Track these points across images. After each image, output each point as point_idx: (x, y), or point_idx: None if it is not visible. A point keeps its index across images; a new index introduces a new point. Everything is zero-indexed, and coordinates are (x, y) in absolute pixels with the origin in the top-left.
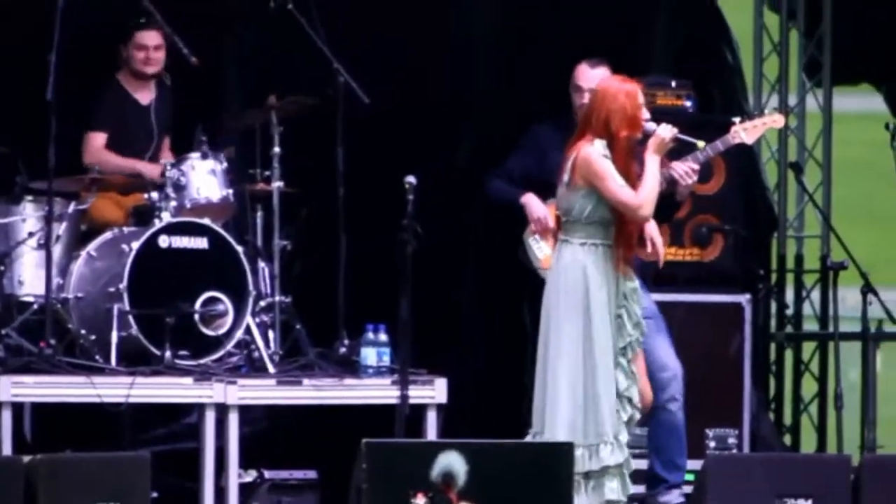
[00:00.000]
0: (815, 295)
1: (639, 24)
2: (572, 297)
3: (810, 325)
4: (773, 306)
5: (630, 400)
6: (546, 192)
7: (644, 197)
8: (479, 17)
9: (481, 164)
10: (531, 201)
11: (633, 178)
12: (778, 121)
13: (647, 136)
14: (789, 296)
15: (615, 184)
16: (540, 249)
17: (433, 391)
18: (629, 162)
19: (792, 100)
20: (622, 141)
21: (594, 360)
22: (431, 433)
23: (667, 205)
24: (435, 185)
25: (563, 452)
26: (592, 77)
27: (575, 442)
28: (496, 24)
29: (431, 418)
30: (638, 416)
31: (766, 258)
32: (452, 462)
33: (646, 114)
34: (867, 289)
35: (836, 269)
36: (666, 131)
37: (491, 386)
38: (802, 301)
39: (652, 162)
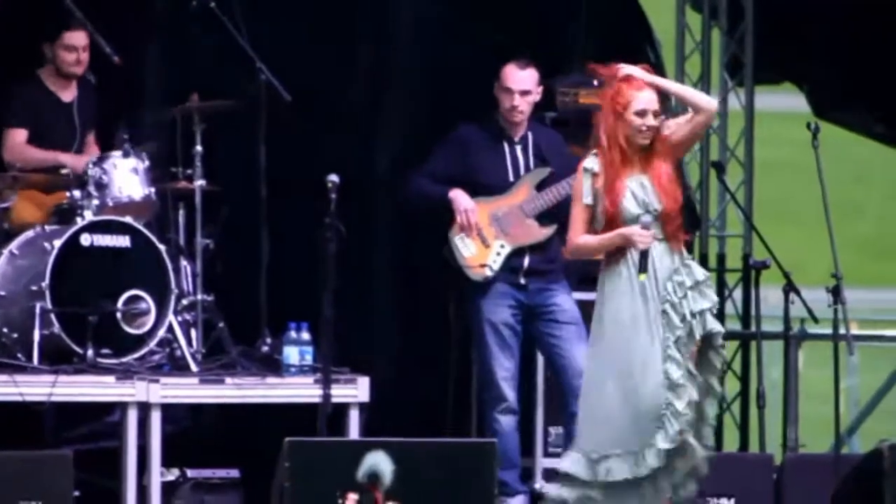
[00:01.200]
0: (738, 294)
1: (561, 24)
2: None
3: (732, 325)
4: None
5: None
6: (473, 193)
7: (576, 247)
8: (401, 16)
9: (403, 162)
10: (459, 196)
11: (615, 194)
12: None
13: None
14: None
15: (575, 209)
16: (466, 248)
17: (356, 390)
18: (618, 175)
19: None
20: (607, 154)
21: (630, 368)
22: (354, 432)
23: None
24: (357, 183)
25: (486, 451)
26: (521, 78)
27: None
28: (418, 23)
29: (354, 417)
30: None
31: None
32: (379, 462)
33: (651, 121)
34: (789, 288)
35: (758, 268)
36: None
37: (414, 385)
38: (724, 300)
39: (611, 237)
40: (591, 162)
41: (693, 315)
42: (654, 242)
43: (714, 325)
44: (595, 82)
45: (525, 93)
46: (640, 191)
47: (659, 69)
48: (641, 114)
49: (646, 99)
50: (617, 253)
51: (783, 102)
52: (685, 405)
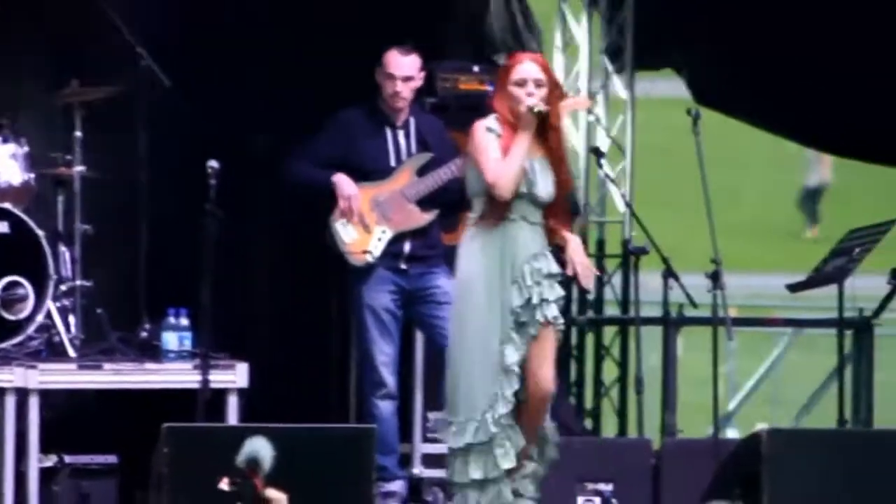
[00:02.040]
0: (617, 279)
1: (440, 9)
2: (457, 278)
3: (612, 310)
4: (575, 291)
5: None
6: (354, 179)
7: (497, 174)
8: (278, 3)
9: (283, 148)
10: (342, 180)
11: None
12: (582, 102)
13: (534, 111)
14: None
15: (484, 157)
16: (347, 233)
17: (234, 376)
18: (514, 139)
19: (595, 85)
20: (501, 117)
21: (466, 335)
22: (232, 418)
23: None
24: (237, 169)
25: (364, 436)
26: (404, 64)
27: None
28: (295, 8)
29: (232, 403)
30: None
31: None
32: (258, 447)
33: (532, 89)
34: (668, 274)
35: (638, 253)
36: (524, 105)
37: (293, 370)
38: (604, 286)
39: (518, 139)
40: (494, 123)
41: (540, 302)
42: (525, 224)
43: (557, 317)
44: (475, 68)
45: (408, 79)
46: (529, 170)
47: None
48: (521, 83)
49: (526, 69)
50: (486, 218)
51: (663, 88)
52: (512, 395)
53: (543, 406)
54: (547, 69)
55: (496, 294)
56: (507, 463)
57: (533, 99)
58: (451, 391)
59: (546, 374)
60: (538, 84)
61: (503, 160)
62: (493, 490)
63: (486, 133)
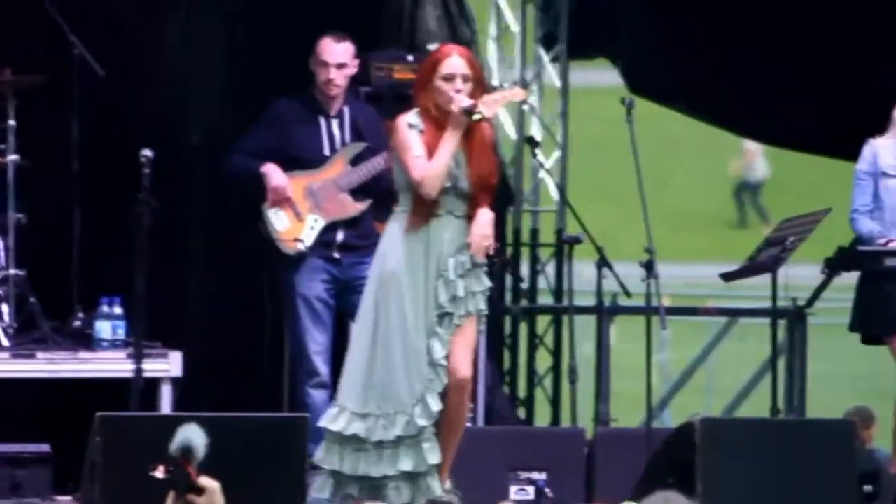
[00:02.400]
0: (551, 269)
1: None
2: (375, 265)
3: (545, 299)
4: (509, 280)
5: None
6: (289, 168)
7: (423, 174)
8: None
9: (217, 136)
10: (271, 171)
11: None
12: (518, 94)
13: (468, 112)
14: (525, 269)
15: (409, 154)
16: (279, 221)
17: (168, 364)
18: (437, 134)
19: (529, 74)
20: (424, 111)
21: (390, 328)
22: (166, 406)
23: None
24: (171, 158)
25: (297, 425)
26: (337, 51)
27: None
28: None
29: (166, 392)
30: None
31: (501, 232)
32: (192, 436)
33: (459, 86)
34: (602, 263)
35: (571, 242)
36: (455, 105)
37: (227, 359)
38: (537, 275)
39: (446, 138)
40: (416, 118)
41: (467, 294)
42: (451, 218)
43: (483, 307)
44: (409, 57)
45: (341, 66)
46: (452, 165)
47: (473, 46)
48: (449, 78)
49: (454, 64)
50: (414, 214)
51: (598, 78)
52: (442, 389)
53: (462, 393)
54: (473, 64)
55: (420, 288)
56: (435, 458)
57: (465, 99)
58: (368, 383)
59: (464, 361)
60: (465, 79)
61: (429, 159)
62: (424, 484)
63: (408, 129)
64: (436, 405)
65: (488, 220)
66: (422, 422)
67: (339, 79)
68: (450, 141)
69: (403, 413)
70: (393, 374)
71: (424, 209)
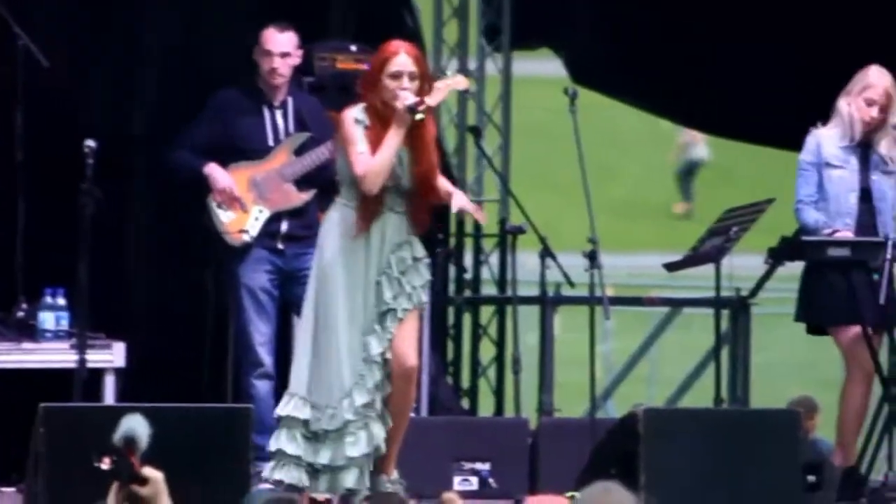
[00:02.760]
0: (494, 259)
1: None
2: (315, 257)
3: (489, 289)
4: (452, 270)
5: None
6: (233, 158)
7: (366, 171)
8: None
9: (161, 126)
10: (215, 172)
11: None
12: (461, 82)
13: (412, 110)
14: (468, 260)
15: (353, 150)
16: (224, 213)
17: (111, 355)
18: (382, 130)
19: (471, 64)
20: (371, 107)
21: (329, 321)
22: (110, 397)
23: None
24: (115, 148)
25: (241, 416)
26: (281, 41)
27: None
28: None
29: (110, 382)
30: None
31: (444, 222)
32: (135, 426)
33: (405, 84)
34: (545, 253)
35: (515, 232)
36: (400, 102)
37: (171, 350)
38: (481, 265)
39: (391, 135)
40: (361, 114)
41: (410, 290)
42: (392, 215)
43: (425, 300)
44: (352, 48)
45: (285, 55)
46: (395, 162)
47: (417, 36)
48: (396, 76)
49: (401, 62)
50: (361, 212)
51: (541, 68)
52: (374, 385)
53: (409, 382)
54: (420, 61)
55: (360, 284)
56: (355, 451)
57: (410, 96)
58: (311, 372)
59: (408, 351)
60: (412, 77)
61: (372, 156)
62: (341, 476)
63: (354, 125)
64: (361, 399)
65: (462, 194)
66: (347, 416)
67: (283, 68)
68: (393, 138)
69: (331, 406)
70: (326, 367)
71: (371, 209)
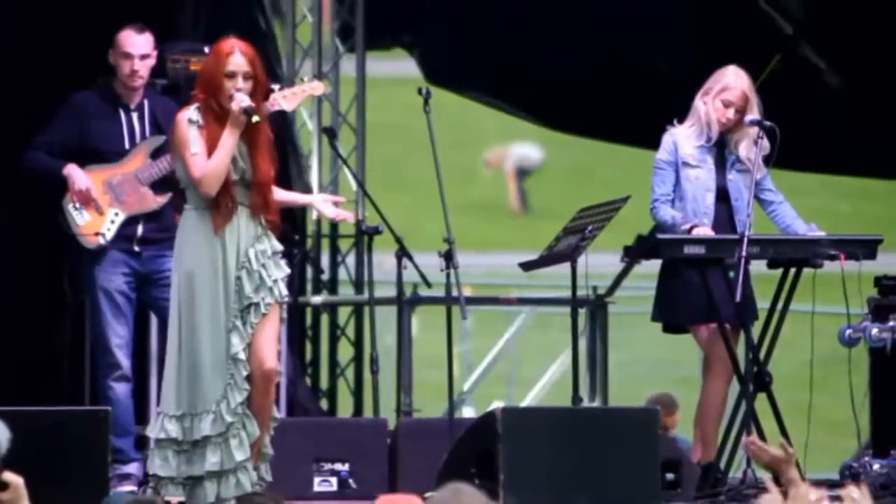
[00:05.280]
0: (351, 259)
1: None
2: (174, 267)
3: (346, 290)
4: (309, 271)
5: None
6: (89, 161)
7: (202, 173)
8: None
9: (20, 126)
10: (74, 172)
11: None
12: (317, 88)
13: (247, 111)
14: (325, 260)
15: (187, 153)
16: (80, 216)
17: None
18: (217, 128)
19: (325, 65)
20: (205, 106)
21: (196, 326)
22: None
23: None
24: None
25: (99, 419)
26: (139, 42)
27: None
28: None
29: None
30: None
31: (301, 223)
32: None
33: (239, 84)
34: (402, 253)
35: (371, 233)
36: (235, 104)
37: (28, 352)
38: (338, 266)
39: (225, 136)
40: (195, 114)
41: (272, 283)
42: (244, 209)
43: (285, 293)
44: (206, 49)
45: (144, 57)
46: (237, 157)
47: (270, 37)
48: (230, 76)
49: (236, 62)
50: (216, 209)
51: (395, 68)
52: (243, 382)
53: (269, 385)
54: (255, 62)
55: (220, 283)
56: (242, 454)
57: (245, 98)
58: (179, 384)
59: (269, 352)
60: (246, 77)
61: (208, 157)
62: (232, 480)
63: (188, 126)
64: (236, 399)
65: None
66: (228, 418)
67: (143, 70)
68: (228, 140)
69: (209, 412)
70: (198, 373)
71: (226, 206)
